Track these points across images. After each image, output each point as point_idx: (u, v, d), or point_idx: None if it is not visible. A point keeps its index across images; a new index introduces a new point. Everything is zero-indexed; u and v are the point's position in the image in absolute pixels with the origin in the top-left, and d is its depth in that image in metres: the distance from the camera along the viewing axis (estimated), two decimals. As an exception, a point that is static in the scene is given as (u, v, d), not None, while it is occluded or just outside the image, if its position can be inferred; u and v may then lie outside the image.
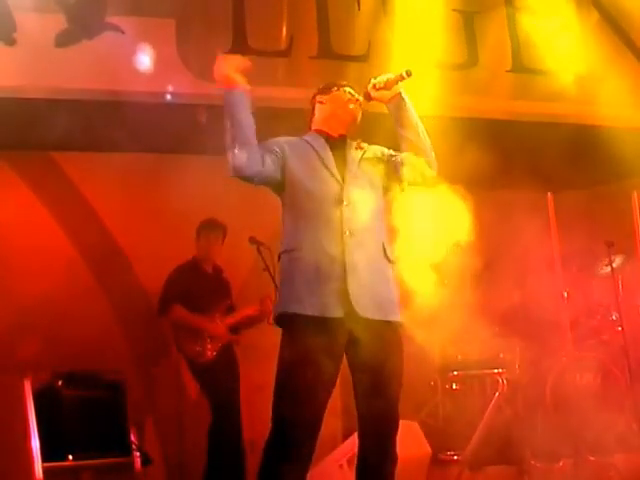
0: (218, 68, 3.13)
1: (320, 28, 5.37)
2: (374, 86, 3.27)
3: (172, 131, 5.59)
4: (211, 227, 5.50)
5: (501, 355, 6.06)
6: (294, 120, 5.23)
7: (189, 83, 5.14)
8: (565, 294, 5.90)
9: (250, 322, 5.44)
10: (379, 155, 3.28)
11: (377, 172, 3.23)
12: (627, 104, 5.55)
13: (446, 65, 5.51)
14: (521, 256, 6.84)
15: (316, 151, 3.20)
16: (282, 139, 3.23)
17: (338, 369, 3.04)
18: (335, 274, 2.99)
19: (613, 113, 5.50)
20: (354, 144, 3.28)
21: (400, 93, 3.26)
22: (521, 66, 5.80)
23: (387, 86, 3.25)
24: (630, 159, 5.51)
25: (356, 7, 5.45)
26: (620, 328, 5.78)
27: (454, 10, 5.59)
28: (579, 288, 6.49)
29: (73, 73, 4.88)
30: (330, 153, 3.21)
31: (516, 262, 6.86)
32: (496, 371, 5.05)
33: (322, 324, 2.96)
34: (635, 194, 6.20)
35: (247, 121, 3.09)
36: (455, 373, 5.47)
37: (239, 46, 5.21)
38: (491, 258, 6.61)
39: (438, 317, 6.21)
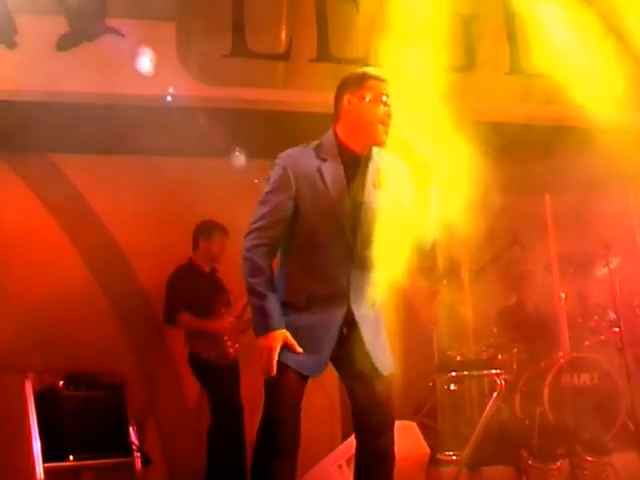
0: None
1: (319, 31, 5.39)
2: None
3: (172, 133, 5.61)
4: (223, 230, 5.50)
5: (499, 356, 6.08)
6: (294, 122, 5.30)
7: (189, 86, 5.16)
8: (563, 295, 5.92)
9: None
10: (397, 180, 3.08)
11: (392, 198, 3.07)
12: (625, 107, 5.57)
13: (444, 67, 5.53)
14: (519, 257, 6.87)
15: (332, 201, 2.98)
16: (289, 164, 3.03)
17: None
18: (330, 340, 3.00)
19: (611, 116, 5.51)
20: (379, 171, 3.07)
21: None
22: (519, 69, 5.83)
23: None
24: (627, 161, 5.52)
25: (355, 10, 5.46)
26: (617, 329, 5.80)
27: (452, 13, 5.61)
28: (576, 289, 6.52)
29: (74, 76, 4.89)
30: (346, 197, 2.99)
31: (514, 263, 6.89)
32: (494, 372, 5.07)
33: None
34: (632, 196, 6.24)
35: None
36: (453, 374, 5.48)
37: (239, 49, 5.24)
38: (489, 259, 6.64)
39: (437, 318, 6.26)
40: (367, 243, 3.02)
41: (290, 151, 3.10)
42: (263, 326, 2.97)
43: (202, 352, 5.33)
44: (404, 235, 3.01)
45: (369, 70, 3.12)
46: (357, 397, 3.08)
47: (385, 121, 3.00)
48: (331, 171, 3.01)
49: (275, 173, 3.04)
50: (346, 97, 3.05)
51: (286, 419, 2.93)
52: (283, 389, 2.95)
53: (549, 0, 5.70)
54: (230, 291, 5.60)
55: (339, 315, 3.01)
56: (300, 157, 3.05)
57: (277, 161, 3.06)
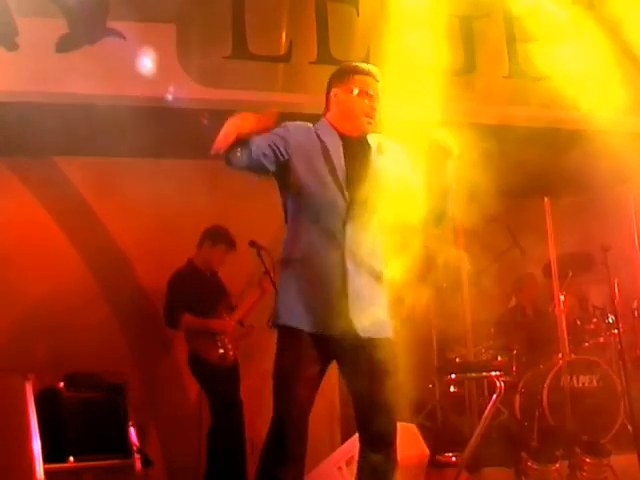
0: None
1: (320, 33, 5.39)
2: None
3: (172, 136, 5.62)
4: (230, 244, 5.49)
5: (498, 358, 6.10)
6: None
7: (189, 88, 5.16)
8: (562, 297, 5.94)
9: (254, 306, 5.47)
10: (399, 162, 3.20)
11: (393, 181, 3.16)
12: (623, 109, 5.59)
13: (443, 71, 5.54)
14: (518, 260, 6.89)
15: (326, 156, 3.10)
16: (291, 128, 3.13)
17: (324, 373, 3.09)
18: (336, 292, 3.01)
19: (609, 118, 5.53)
20: (375, 146, 3.19)
21: None
22: (518, 72, 5.84)
23: None
24: (626, 163, 5.54)
25: (355, 13, 5.48)
26: (616, 331, 5.81)
27: (452, 16, 5.63)
28: (576, 291, 6.54)
29: (74, 78, 4.90)
30: (342, 160, 3.11)
31: (513, 265, 6.91)
32: (493, 374, 5.08)
33: (318, 339, 3.01)
34: (631, 198, 6.25)
35: None
36: (453, 376, 5.50)
37: (239, 51, 5.25)
38: (489, 261, 6.66)
39: (437, 319, 6.27)
40: (365, 200, 3.08)
41: (297, 123, 3.19)
42: None
43: (202, 353, 5.34)
44: (408, 207, 3.11)
45: (358, 64, 3.29)
46: (359, 395, 3.07)
47: (369, 114, 3.16)
48: (328, 134, 3.15)
49: (276, 130, 3.12)
50: (333, 90, 3.22)
51: (296, 421, 2.95)
52: (297, 374, 2.96)
53: (548, 3, 5.72)
54: (232, 296, 5.61)
55: (337, 265, 3.02)
56: (301, 125, 3.19)
57: (281, 125, 3.14)
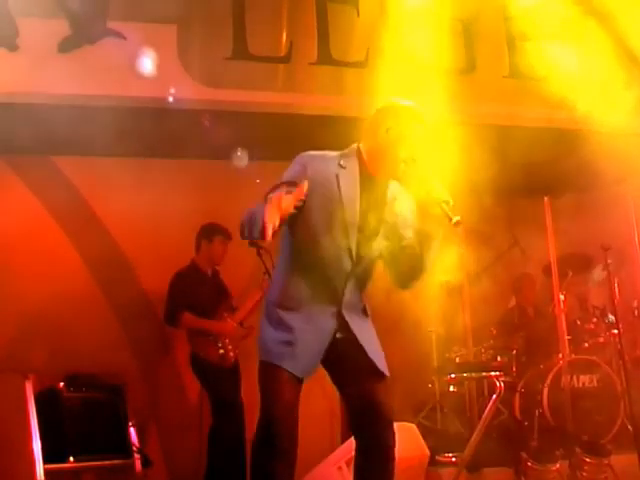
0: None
1: (320, 34, 5.40)
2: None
3: (173, 136, 5.63)
4: (225, 235, 5.51)
5: (498, 358, 6.10)
6: (294, 125, 5.32)
7: (190, 88, 5.17)
8: (562, 297, 5.94)
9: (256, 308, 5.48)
10: (405, 212, 3.13)
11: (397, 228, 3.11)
12: (622, 109, 5.59)
13: (444, 71, 5.55)
14: (518, 259, 6.89)
15: (343, 206, 2.99)
16: (307, 162, 3.03)
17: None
18: (323, 342, 3.02)
19: (608, 118, 5.53)
20: (391, 197, 3.11)
21: None
22: (518, 72, 5.85)
23: None
24: (625, 163, 5.55)
25: (355, 14, 5.48)
26: (616, 331, 5.81)
27: (452, 16, 5.63)
28: (575, 291, 6.54)
29: (75, 79, 4.90)
30: (357, 216, 3.02)
31: (513, 265, 6.91)
32: (493, 374, 5.08)
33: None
34: (630, 198, 6.25)
35: None
36: (453, 376, 5.50)
37: (239, 52, 5.26)
38: (489, 261, 6.66)
39: (436, 319, 6.27)
40: (369, 257, 3.06)
41: (312, 152, 3.11)
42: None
43: (204, 353, 5.34)
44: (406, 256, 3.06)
45: (412, 106, 3.13)
46: (355, 399, 3.09)
47: (407, 162, 3.03)
48: (348, 178, 3.04)
49: (293, 168, 3.06)
50: (389, 123, 3.06)
51: (283, 420, 2.95)
52: (279, 390, 2.96)
53: (547, 3, 5.73)
54: (233, 297, 5.61)
55: (331, 319, 3.04)
56: (321, 160, 3.08)
57: (297, 159, 3.08)
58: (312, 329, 3.02)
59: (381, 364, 3.08)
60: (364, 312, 3.16)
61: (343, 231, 3.01)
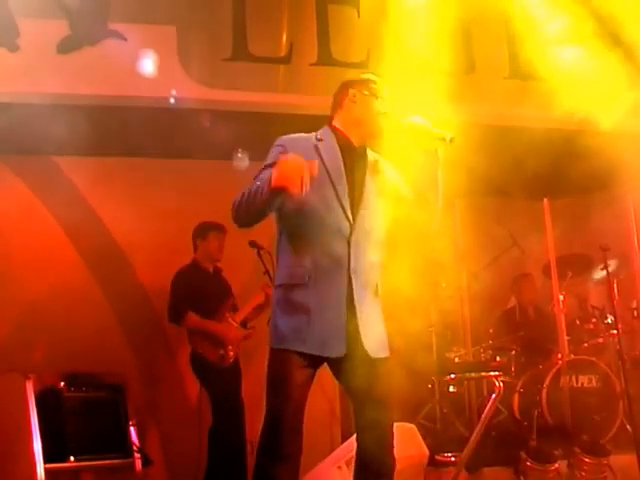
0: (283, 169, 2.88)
1: (320, 35, 5.41)
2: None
3: (173, 136, 5.64)
4: (219, 229, 5.52)
5: (497, 358, 6.11)
6: (295, 125, 5.31)
7: (190, 89, 5.18)
8: (561, 297, 5.95)
9: (258, 310, 5.48)
10: (393, 182, 3.22)
11: (389, 200, 3.17)
12: (623, 110, 5.60)
13: (444, 71, 5.56)
14: (517, 260, 6.90)
15: (329, 172, 3.07)
16: (287, 144, 3.10)
17: (315, 374, 3.08)
18: (342, 315, 3.00)
19: (609, 119, 5.54)
20: (373, 162, 3.20)
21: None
22: (518, 72, 5.86)
23: None
24: (625, 164, 5.55)
25: (356, 14, 5.49)
26: (615, 331, 5.83)
27: (452, 17, 5.64)
28: (575, 292, 6.55)
29: (75, 79, 4.91)
30: (344, 179, 3.09)
31: (513, 266, 6.92)
32: (492, 374, 5.09)
33: (319, 359, 3.02)
34: (630, 199, 6.26)
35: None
36: (452, 376, 5.50)
37: (240, 53, 5.27)
38: (488, 262, 6.67)
39: (436, 320, 6.28)
40: (367, 220, 3.09)
41: (289, 135, 3.21)
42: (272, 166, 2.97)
43: (204, 352, 5.35)
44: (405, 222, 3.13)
45: (370, 75, 3.33)
46: (348, 380, 3.07)
47: (381, 116, 3.18)
48: (327, 147, 3.14)
49: (274, 150, 3.13)
50: (351, 91, 3.23)
51: (289, 419, 2.94)
52: (289, 380, 2.95)
53: (548, 4, 5.73)
54: (235, 296, 5.62)
55: (343, 287, 3.01)
56: (298, 139, 3.19)
57: (276, 141, 3.17)
58: (326, 302, 3.00)
59: (377, 352, 3.03)
60: (375, 292, 3.12)
61: (334, 196, 3.05)
